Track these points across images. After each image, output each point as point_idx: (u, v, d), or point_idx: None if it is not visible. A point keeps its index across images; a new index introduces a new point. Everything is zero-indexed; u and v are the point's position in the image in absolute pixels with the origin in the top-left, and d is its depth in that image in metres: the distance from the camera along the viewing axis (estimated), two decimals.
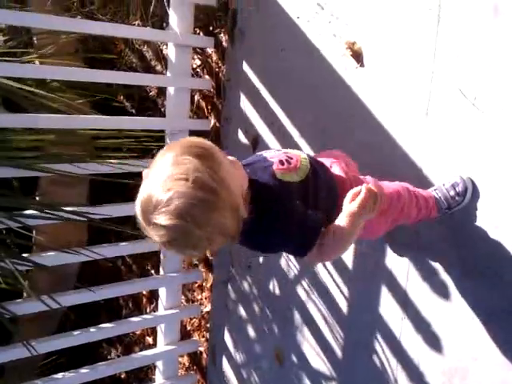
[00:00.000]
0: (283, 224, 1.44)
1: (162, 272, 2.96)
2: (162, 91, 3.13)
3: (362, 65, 2.22)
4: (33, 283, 3.04)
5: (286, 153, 1.60)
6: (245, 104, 2.74)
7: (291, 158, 1.57)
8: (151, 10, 3.01)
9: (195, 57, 2.94)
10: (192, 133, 2.76)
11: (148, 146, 2.56)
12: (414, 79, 2.06)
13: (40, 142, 2.44)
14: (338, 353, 2.49)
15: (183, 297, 3.17)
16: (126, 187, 2.70)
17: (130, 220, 3.16)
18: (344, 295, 2.42)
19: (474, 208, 1.95)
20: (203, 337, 3.21)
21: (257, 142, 2.68)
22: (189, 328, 3.28)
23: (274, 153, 1.61)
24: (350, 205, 1.41)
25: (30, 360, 2.54)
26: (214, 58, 2.90)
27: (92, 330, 2.69)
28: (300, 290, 2.60)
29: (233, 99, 2.80)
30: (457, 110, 1.94)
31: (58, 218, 2.31)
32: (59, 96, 2.67)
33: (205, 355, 3.22)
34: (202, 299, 3.18)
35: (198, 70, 2.98)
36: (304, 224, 1.46)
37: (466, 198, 1.94)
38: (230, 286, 2.97)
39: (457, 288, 2.03)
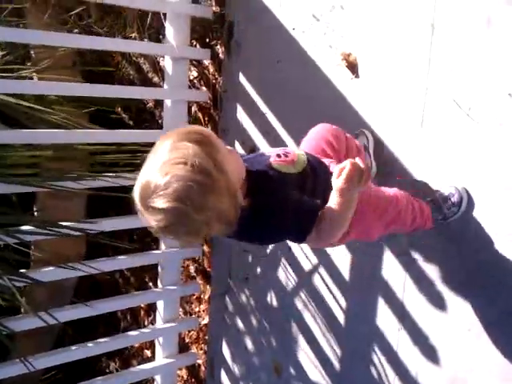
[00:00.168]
0: (279, 219, 1.46)
1: (159, 285, 2.94)
2: (159, 103, 3.14)
3: (357, 76, 2.23)
4: (30, 297, 3.03)
5: (283, 149, 1.64)
6: (241, 115, 2.74)
7: (288, 153, 1.59)
8: (148, 22, 3.03)
9: (192, 68, 2.95)
10: None
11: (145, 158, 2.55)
12: (408, 90, 2.07)
13: (37, 158, 2.44)
14: (336, 364, 2.48)
15: (181, 309, 3.16)
16: (123, 200, 2.69)
17: (128, 233, 3.19)
18: (341, 306, 2.41)
19: (472, 217, 1.94)
20: (201, 349, 3.20)
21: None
22: (187, 340, 3.26)
23: (272, 149, 1.65)
24: (336, 180, 1.42)
25: (28, 376, 2.52)
26: (211, 69, 2.91)
27: (90, 344, 2.68)
28: (297, 302, 2.60)
29: (229, 110, 2.80)
30: (451, 121, 1.95)
31: (56, 233, 2.31)
32: (57, 109, 2.68)
33: (203, 368, 3.20)
34: (199, 311, 3.17)
35: (195, 81, 2.98)
36: (300, 210, 1.47)
37: (462, 208, 1.94)
38: (227, 298, 2.96)
39: (455, 298, 2.03)
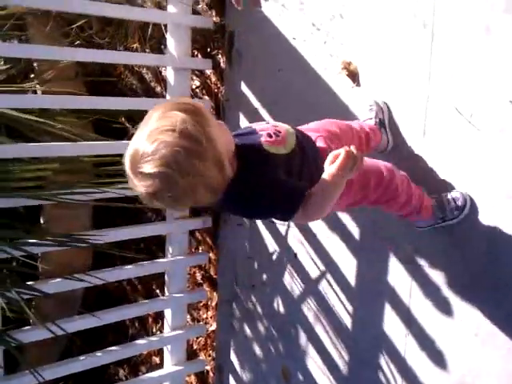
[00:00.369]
0: (267, 193, 1.48)
1: (166, 293, 2.96)
2: None
3: (358, 84, 2.24)
4: (38, 308, 3.05)
5: (274, 126, 1.64)
6: (244, 124, 2.75)
7: (279, 132, 1.60)
8: (149, 32, 3.04)
9: (194, 78, 2.96)
10: None
11: None
12: (410, 98, 2.08)
13: (43, 172, 2.46)
14: (344, 370, 2.49)
15: (189, 315, 3.18)
16: (129, 209, 2.72)
17: (135, 241, 3.20)
18: (348, 312, 2.43)
19: (475, 222, 1.96)
20: (209, 356, 3.21)
21: None
22: (195, 347, 3.28)
23: (263, 125, 1.65)
24: (329, 166, 1.43)
25: None
26: (213, 78, 2.93)
27: (98, 353, 2.71)
28: (304, 308, 2.61)
29: (232, 119, 2.82)
30: (453, 128, 1.96)
31: (63, 245, 2.33)
32: (61, 120, 2.70)
33: (211, 374, 3.22)
34: (207, 318, 3.19)
35: (197, 90, 3.00)
36: (288, 190, 1.50)
37: (464, 213, 1.97)
38: (234, 305, 2.98)
39: (461, 303, 2.04)
